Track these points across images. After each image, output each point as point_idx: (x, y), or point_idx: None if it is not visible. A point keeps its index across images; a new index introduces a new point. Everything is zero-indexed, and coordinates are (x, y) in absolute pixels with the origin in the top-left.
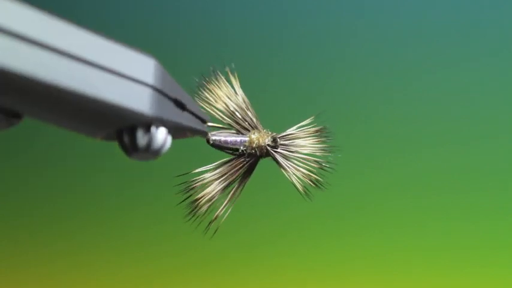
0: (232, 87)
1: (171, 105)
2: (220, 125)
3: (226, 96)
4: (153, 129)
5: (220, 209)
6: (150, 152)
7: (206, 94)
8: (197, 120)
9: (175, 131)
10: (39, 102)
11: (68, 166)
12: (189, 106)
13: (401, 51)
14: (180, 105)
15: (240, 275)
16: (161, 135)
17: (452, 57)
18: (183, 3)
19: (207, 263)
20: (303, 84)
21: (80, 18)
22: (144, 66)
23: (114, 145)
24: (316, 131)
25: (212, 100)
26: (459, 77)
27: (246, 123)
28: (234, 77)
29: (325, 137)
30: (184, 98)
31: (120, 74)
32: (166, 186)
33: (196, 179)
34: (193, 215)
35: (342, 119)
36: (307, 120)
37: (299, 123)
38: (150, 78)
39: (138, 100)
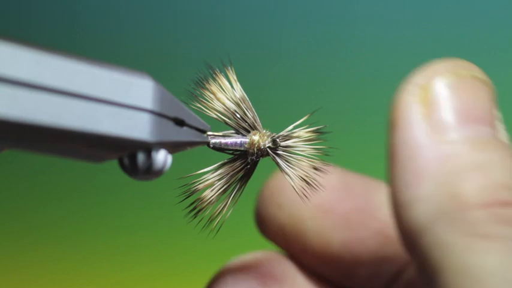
0: (231, 86)
1: (170, 125)
2: (220, 134)
3: (224, 96)
4: (153, 153)
5: (221, 210)
6: (152, 173)
7: (204, 94)
8: (197, 132)
9: (175, 147)
10: (28, 143)
11: (66, 167)
12: (188, 121)
13: (400, 50)
14: (180, 122)
15: None
16: (161, 157)
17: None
18: (180, 4)
19: (205, 264)
20: (301, 82)
21: (78, 21)
22: (141, 91)
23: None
24: (314, 131)
25: (210, 101)
26: None
27: (246, 123)
28: (232, 75)
29: (322, 137)
30: (183, 113)
31: (118, 103)
32: (166, 189)
33: (197, 181)
34: (194, 217)
35: (340, 117)
36: (303, 118)
37: (297, 120)
38: (148, 103)
39: (138, 128)
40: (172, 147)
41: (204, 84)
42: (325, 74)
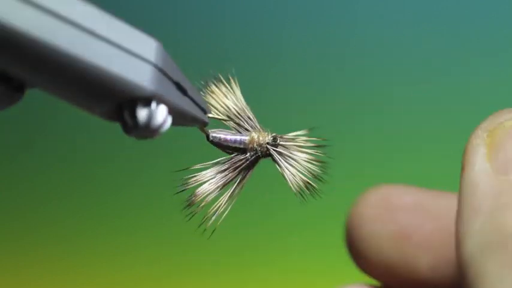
0: (233, 92)
1: (172, 87)
2: (221, 118)
3: (226, 101)
4: (153, 105)
5: (218, 208)
6: (150, 129)
7: (206, 98)
8: (198, 109)
9: (176, 114)
10: (39, 66)
11: (66, 167)
12: (190, 92)
13: (400, 50)
14: (182, 90)
15: (236, 277)
16: (161, 113)
17: (451, 63)
18: (180, 4)
19: (204, 265)
20: (301, 82)
21: None
22: (146, 45)
23: (112, 148)
24: (313, 145)
25: (213, 104)
26: (457, 85)
27: (247, 124)
28: (234, 81)
29: (322, 149)
30: (186, 84)
31: (122, 47)
32: (166, 189)
33: (194, 175)
34: (190, 213)
35: (339, 116)
36: (303, 131)
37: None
38: (152, 57)
39: (139, 74)
40: (173, 110)
41: (204, 92)
42: (325, 74)
